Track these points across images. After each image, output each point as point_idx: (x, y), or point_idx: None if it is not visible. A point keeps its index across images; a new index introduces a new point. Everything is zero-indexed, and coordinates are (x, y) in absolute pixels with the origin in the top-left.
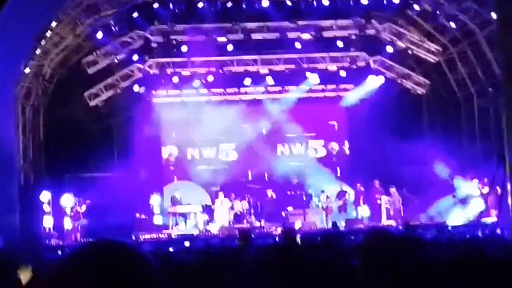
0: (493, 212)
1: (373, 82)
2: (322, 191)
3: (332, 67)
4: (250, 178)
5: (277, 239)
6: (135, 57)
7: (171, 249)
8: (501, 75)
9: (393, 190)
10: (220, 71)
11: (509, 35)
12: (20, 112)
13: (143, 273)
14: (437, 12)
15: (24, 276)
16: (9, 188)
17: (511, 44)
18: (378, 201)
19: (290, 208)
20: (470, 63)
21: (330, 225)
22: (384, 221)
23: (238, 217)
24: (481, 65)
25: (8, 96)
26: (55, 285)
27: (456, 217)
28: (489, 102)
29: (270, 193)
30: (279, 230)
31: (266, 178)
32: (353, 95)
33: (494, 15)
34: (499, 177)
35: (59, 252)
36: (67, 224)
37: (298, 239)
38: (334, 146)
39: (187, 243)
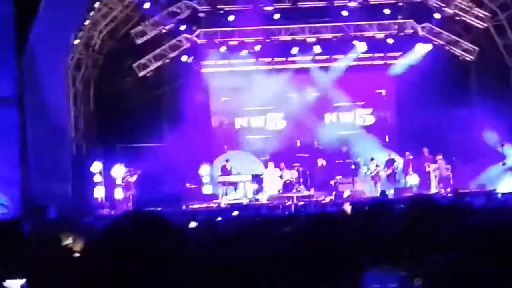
0: None
1: (421, 49)
2: (371, 160)
3: (380, 35)
4: (299, 147)
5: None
6: (183, 27)
7: (219, 218)
8: None
9: (439, 158)
10: (268, 40)
11: None
12: (71, 83)
13: (171, 243)
14: None
15: (76, 245)
16: (61, 158)
17: None
18: (427, 169)
19: (339, 177)
20: None
21: (379, 194)
22: (434, 189)
23: (287, 186)
24: None
25: (59, 67)
26: (91, 253)
27: (507, 185)
28: None
29: (319, 162)
30: (328, 199)
31: (315, 146)
32: (400, 64)
33: None
34: None
35: None
36: (119, 194)
37: (348, 207)
38: (383, 114)
39: (236, 212)
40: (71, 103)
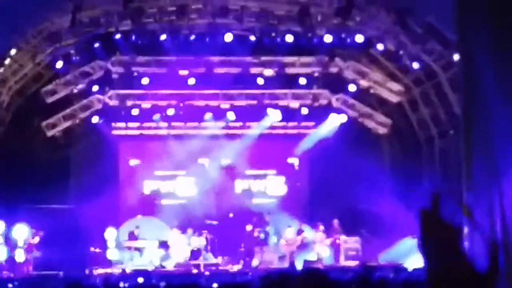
0: None
1: (334, 120)
2: (281, 230)
3: (294, 104)
4: (208, 213)
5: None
6: (95, 88)
7: (123, 284)
8: (461, 116)
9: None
10: (181, 104)
11: (470, 74)
12: None
13: None
14: (401, 52)
15: None
16: None
17: (472, 85)
18: (337, 241)
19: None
20: (432, 104)
21: (287, 265)
22: (342, 262)
23: (194, 254)
24: (443, 107)
25: None
26: None
27: (416, 260)
28: (450, 143)
29: (227, 230)
30: (235, 268)
31: (224, 214)
32: (312, 137)
33: (456, 57)
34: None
35: (10, 285)
36: (20, 256)
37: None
38: (295, 184)
39: (140, 279)
40: None
